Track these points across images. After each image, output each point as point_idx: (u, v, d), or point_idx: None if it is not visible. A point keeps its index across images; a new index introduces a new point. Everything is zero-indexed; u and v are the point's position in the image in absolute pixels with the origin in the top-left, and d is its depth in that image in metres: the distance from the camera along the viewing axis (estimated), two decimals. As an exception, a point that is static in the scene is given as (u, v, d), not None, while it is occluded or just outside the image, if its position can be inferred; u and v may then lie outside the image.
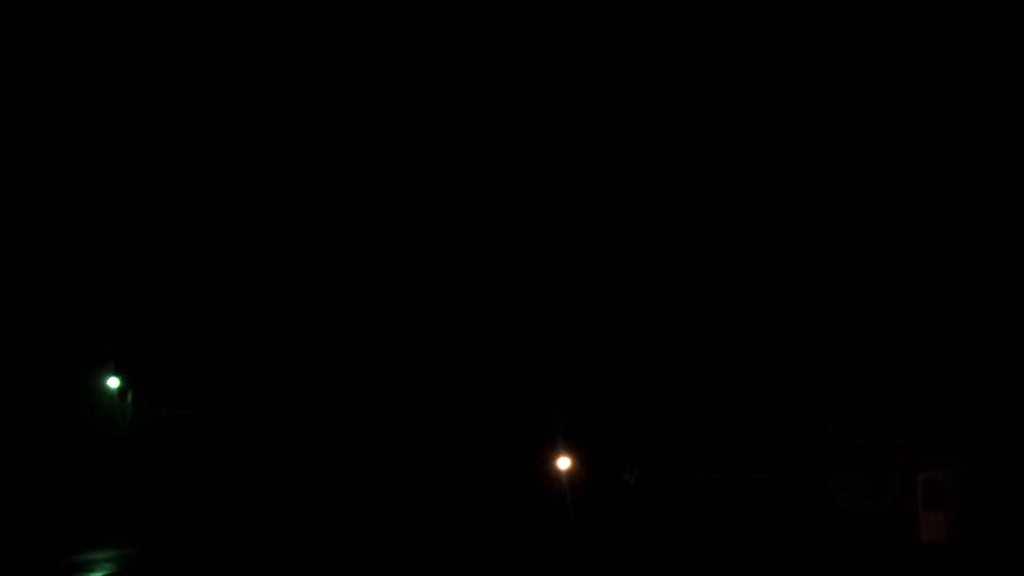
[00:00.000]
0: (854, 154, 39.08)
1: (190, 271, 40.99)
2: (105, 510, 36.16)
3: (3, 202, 37.24)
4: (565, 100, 40.73)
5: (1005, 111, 37.18)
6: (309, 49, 40.72)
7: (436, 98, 41.56)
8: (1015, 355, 35.86)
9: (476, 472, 38.88)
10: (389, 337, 42.17)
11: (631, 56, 40.23)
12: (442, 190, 42.24)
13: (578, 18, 39.48)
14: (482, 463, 39.01)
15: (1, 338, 36.21)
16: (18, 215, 37.47)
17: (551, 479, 36.84)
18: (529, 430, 38.13)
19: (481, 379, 40.43)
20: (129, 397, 37.57)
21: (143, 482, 38.10)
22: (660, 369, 38.34)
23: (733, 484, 34.19)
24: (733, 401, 35.45)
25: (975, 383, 35.07)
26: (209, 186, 41.11)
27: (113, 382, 37.13)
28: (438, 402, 40.78)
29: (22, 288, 36.96)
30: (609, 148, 41.45)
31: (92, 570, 27.52)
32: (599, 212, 40.90)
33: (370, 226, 42.70)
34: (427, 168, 42.19)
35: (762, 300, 38.15)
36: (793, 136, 38.94)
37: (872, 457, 32.65)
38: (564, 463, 36.15)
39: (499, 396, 39.95)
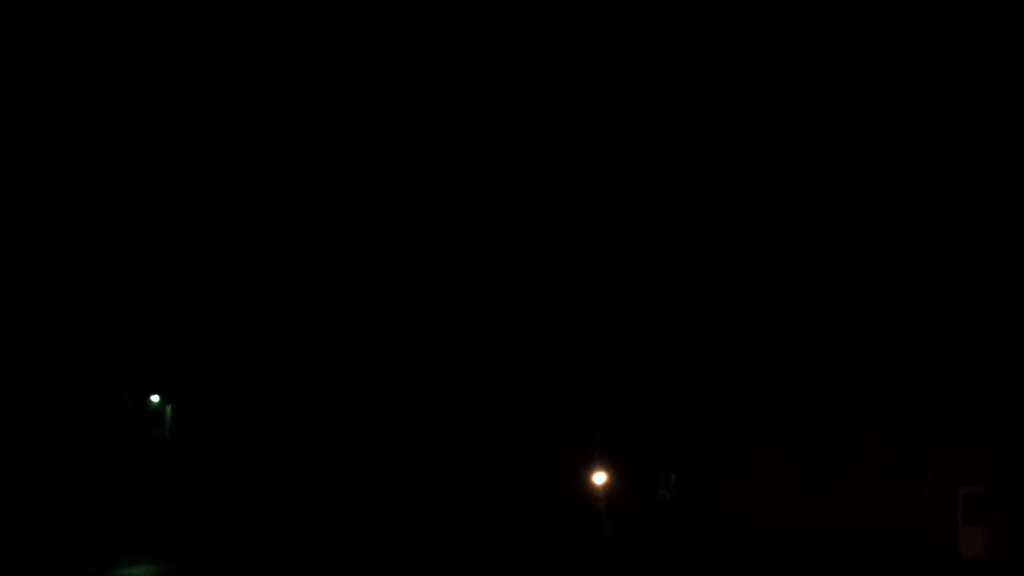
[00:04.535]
0: (893, 166, 38.78)
1: (223, 292, 41.42)
2: (143, 520, 36.51)
3: (47, 234, 37.90)
4: (588, 107, 40.65)
5: (1010, 111, 36.82)
6: (309, 49, 40.90)
7: (446, 101, 41.61)
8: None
9: (511, 488, 38.88)
10: (423, 353, 42.34)
11: (631, 56, 40.10)
12: (468, 197, 42.35)
13: (577, 17, 39.44)
14: (517, 479, 39.01)
15: (44, 354, 36.77)
16: (61, 245, 38.08)
17: (587, 495, 36.74)
18: (564, 445, 38.08)
19: (516, 394, 40.45)
20: (168, 411, 38.00)
21: (180, 493, 38.46)
22: (697, 380, 38.16)
23: (773, 494, 33.99)
24: (776, 410, 35.23)
25: (1015, 398, 34.71)
26: (235, 203, 41.52)
27: (153, 397, 37.55)
28: (474, 419, 40.84)
29: (67, 306, 37.52)
30: (646, 150, 41.23)
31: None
32: (637, 220, 40.79)
33: (402, 240, 42.90)
34: (449, 173, 42.28)
35: (807, 312, 37.86)
36: (838, 145, 38.69)
37: (915, 470, 32.43)
38: (600, 478, 35.99)
39: (534, 412, 39.94)
